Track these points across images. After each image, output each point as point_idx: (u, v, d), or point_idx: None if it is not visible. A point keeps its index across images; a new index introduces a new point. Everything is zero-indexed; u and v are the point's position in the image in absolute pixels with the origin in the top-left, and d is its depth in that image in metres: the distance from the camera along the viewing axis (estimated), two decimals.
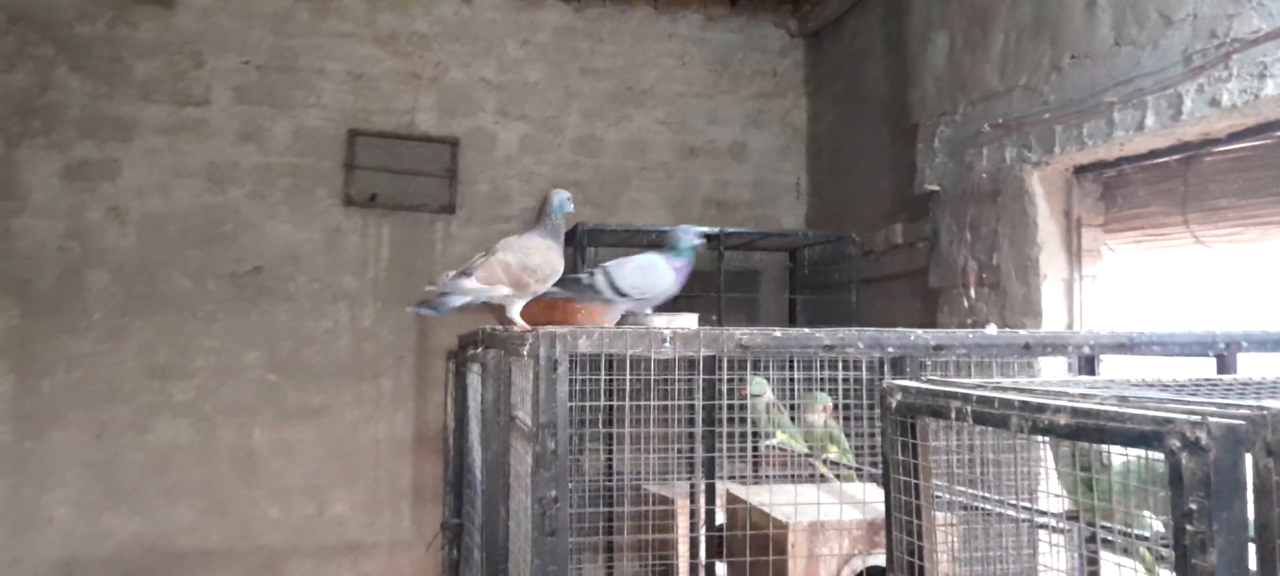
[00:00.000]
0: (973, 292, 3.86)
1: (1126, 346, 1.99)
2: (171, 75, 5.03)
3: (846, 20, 5.47)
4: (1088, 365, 2.28)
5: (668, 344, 1.53)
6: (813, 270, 5.41)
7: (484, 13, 5.48)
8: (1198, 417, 0.88)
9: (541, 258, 2.32)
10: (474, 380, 2.24)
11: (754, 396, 3.05)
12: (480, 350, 1.85)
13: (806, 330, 1.70)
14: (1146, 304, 3.48)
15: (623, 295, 2.39)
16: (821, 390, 2.90)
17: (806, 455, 2.99)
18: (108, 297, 4.91)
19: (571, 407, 2.17)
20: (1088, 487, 1.64)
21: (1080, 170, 3.58)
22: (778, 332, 1.70)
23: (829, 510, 2.16)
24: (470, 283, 2.25)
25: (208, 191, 5.06)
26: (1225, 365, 1.94)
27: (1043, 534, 2.02)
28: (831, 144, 5.66)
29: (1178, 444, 0.88)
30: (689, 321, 2.13)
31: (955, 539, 2.09)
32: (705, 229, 4.79)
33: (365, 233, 5.24)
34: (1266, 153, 2.93)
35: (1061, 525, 1.91)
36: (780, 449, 3.08)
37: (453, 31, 5.43)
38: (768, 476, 3.01)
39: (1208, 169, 3.15)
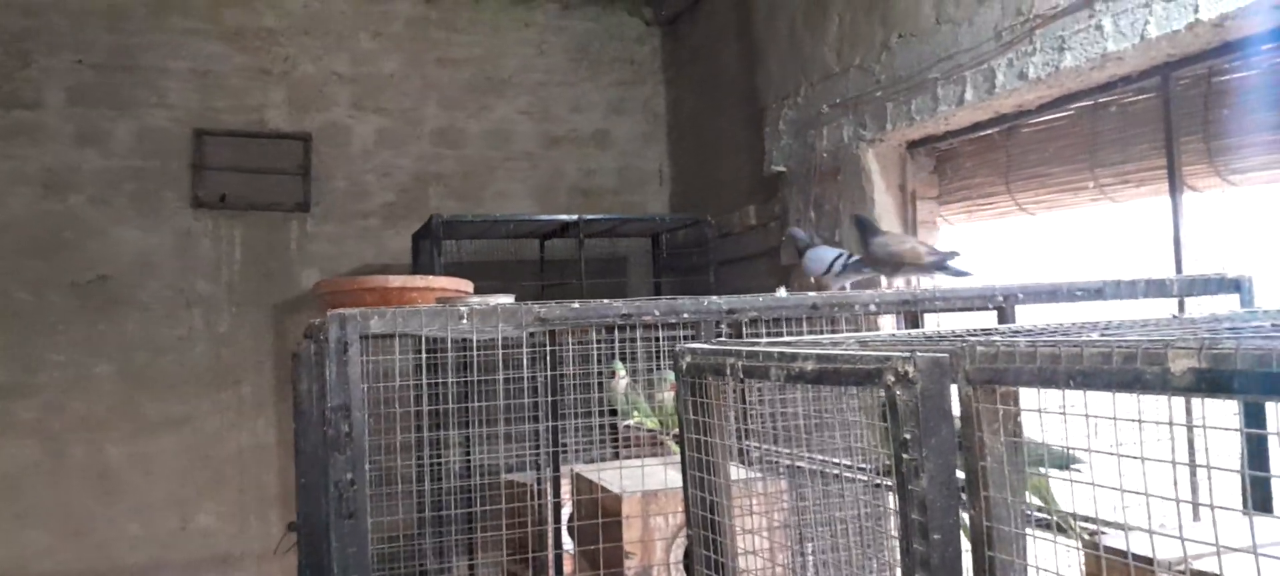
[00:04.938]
0: None
1: (911, 303, 2.10)
2: None
3: (700, 5, 5.56)
4: (913, 321, 2.43)
5: (465, 321, 1.55)
6: (675, 253, 5.50)
7: (334, 5, 5.37)
8: (908, 354, 0.95)
9: (909, 246, 3.12)
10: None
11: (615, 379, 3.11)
12: (299, 343, 1.84)
13: (606, 301, 1.76)
14: (979, 270, 3.66)
15: None
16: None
17: (660, 431, 3.05)
18: None
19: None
20: (884, 439, 1.74)
21: (913, 145, 3.74)
22: (576, 304, 1.75)
23: (665, 479, 2.22)
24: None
25: (45, 198, 4.83)
26: (1005, 316, 2.08)
27: (861, 489, 2.12)
28: (691, 129, 5.76)
29: (892, 379, 0.95)
30: (504, 301, 2.17)
31: (783, 498, 2.18)
32: (565, 217, 4.85)
33: (217, 235, 5.08)
34: (1071, 122, 3.12)
35: (871, 479, 2.01)
36: (640, 428, 3.17)
37: (302, 25, 5.30)
38: (630, 455, 3.07)
39: (1025, 140, 3.34)
